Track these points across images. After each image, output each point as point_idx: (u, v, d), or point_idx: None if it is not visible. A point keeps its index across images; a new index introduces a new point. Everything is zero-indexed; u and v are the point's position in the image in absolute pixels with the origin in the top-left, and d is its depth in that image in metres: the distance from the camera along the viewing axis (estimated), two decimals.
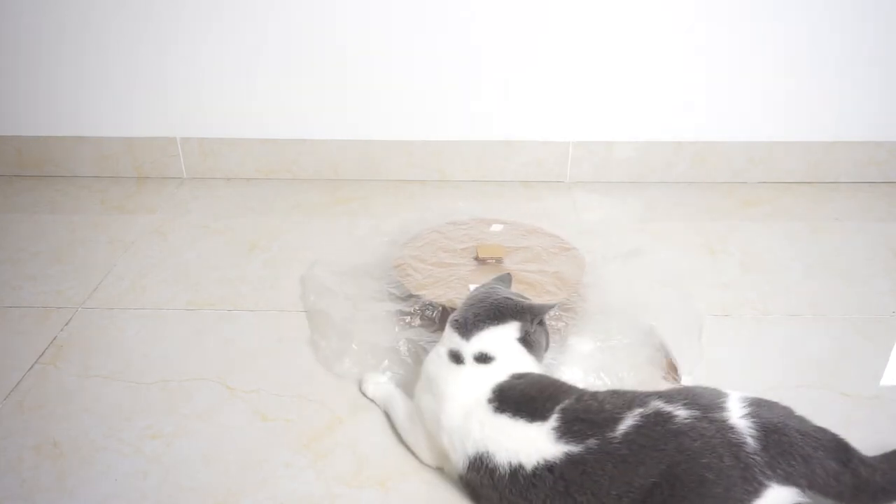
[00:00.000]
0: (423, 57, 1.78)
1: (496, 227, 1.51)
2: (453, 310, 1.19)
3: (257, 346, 1.26)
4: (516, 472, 0.89)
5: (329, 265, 1.45)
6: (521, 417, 0.92)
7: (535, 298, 1.25)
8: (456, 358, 1.00)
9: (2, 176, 1.92)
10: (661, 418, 0.85)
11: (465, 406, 0.96)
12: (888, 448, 0.90)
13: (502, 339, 1.02)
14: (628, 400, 0.89)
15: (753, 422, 0.84)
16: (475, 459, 0.92)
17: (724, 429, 0.83)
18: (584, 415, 0.89)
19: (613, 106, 1.84)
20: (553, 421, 0.90)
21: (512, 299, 1.05)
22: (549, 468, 0.87)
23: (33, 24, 1.75)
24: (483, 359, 0.99)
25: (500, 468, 0.90)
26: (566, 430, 0.88)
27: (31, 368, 1.20)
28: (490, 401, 0.95)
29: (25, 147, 1.89)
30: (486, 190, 1.87)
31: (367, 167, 1.91)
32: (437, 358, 1.03)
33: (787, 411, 0.88)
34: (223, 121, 1.87)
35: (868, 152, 1.88)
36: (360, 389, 1.15)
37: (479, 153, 1.89)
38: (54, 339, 1.27)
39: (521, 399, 0.94)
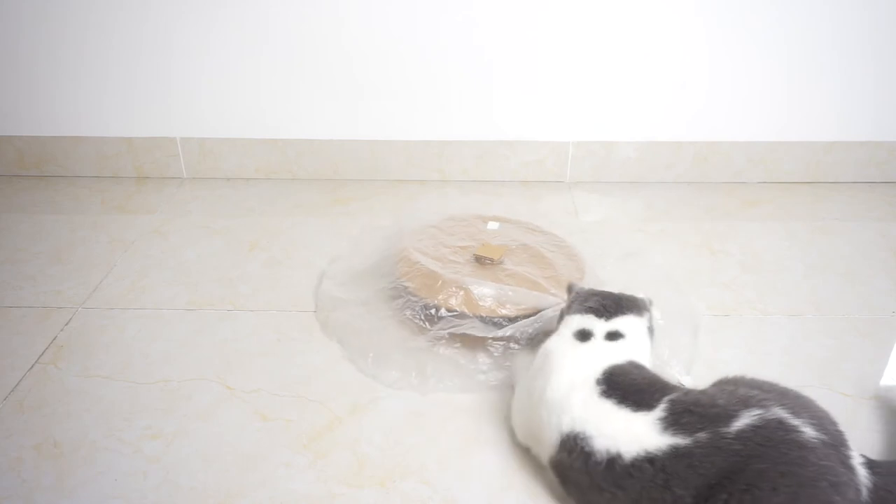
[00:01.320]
0: (424, 57, 1.78)
1: (492, 225, 1.51)
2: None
3: (257, 346, 1.26)
4: (613, 461, 0.87)
5: (334, 276, 1.44)
6: (627, 406, 0.91)
7: (541, 298, 1.26)
8: (583, 336, 1.02)
9: (2, 176, 1.92)
10: (784, 426, 0.83)
11: (572, 380, 0.96)
12: (888, 448, 0.90)
13: (636, 326, 1.05)
14: (742, 398, 0.87)
15: (870, 474, 0.83)
16: (568, 438, 0.91)
17: (848, 466, 0.82)
18: (693, 407, 0.87)
19: (613, 106, 1.84)
20: (660, 411, 0.88)
21: (636, 297, 1.11)
22: (650, 460, 0.85)
23: (33, 24, 1.75)
24: (613, 336, 1.02)
25: (597, 454, 0.88)
26: (673, 422, 0.86)
27: (31, 368, 1.20)
28: (598, 382, 0.94)
29: (25, 147, 1.89)
30: (486, 190, 1.87)
31: (367, 167, 1.91)
32: (557, 338, 1.04)
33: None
34: (223, 121, 1.87)
35: (868, 152, 1.88)
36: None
37: (479, 153, 1.89)
38: (54, 339, 1.27)
39: (628, 387, 0.93)
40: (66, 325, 1.31)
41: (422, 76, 1.80)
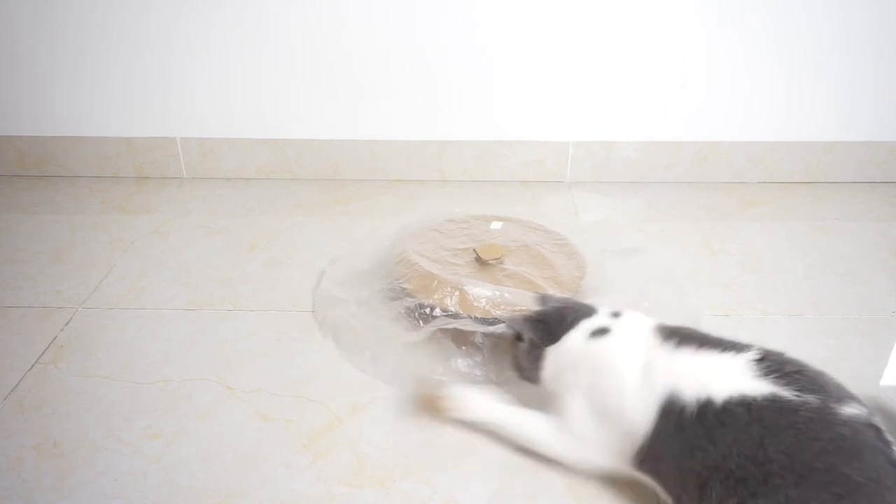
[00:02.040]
0: (424, 57, 1.78)
1: (496, 225, 1.51)
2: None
3: (257, 346, 1.26)
4: (705, 408, 0.81)
5: (333, 275, 1.44)
6: (709, 349, 0.86)
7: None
8: (600, 332, 0.96)
9: (2, 176, 1.92)
10: (883, 438, 0.77)
11: (638, 361, 0.90)
12: None
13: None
14: (843, 391, 0.82)
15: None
16: (665, 405, 0.84)
17: None
18: (799, 367, 0.82)
19: (613, 106, 1.84)
20: (753, 355, 0.83)
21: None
22: (744, 404, 0.79)
23: (33, 24, 1.75)
24: (616, 314, 0.99)
25: (688, 406, 0.82)
26: (775, 370, 0.81)
27: (31, 368, 1.20)
28: (664, 340, 0.90)
29: (25, 147, 1.89)
30: (486, 190, 1.87)
31: (367, 167, 1.91)
32: (572, 350, 0.97)
33: None
34: (223, 121, 1.87)
35: (868, 152, 1.88)
36: (455, 416, 1.06)
37: (479, 153, 1.89)
38: (54, 339, 1.27)
39: (697, 336, 0.89)
40: (66, 325, 1.31)
41: (422, 76, 1.80)
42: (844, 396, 0.81)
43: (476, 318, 1.22)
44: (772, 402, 0.79)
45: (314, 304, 1.38)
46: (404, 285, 1.31)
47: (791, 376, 0.81)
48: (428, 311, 1.25)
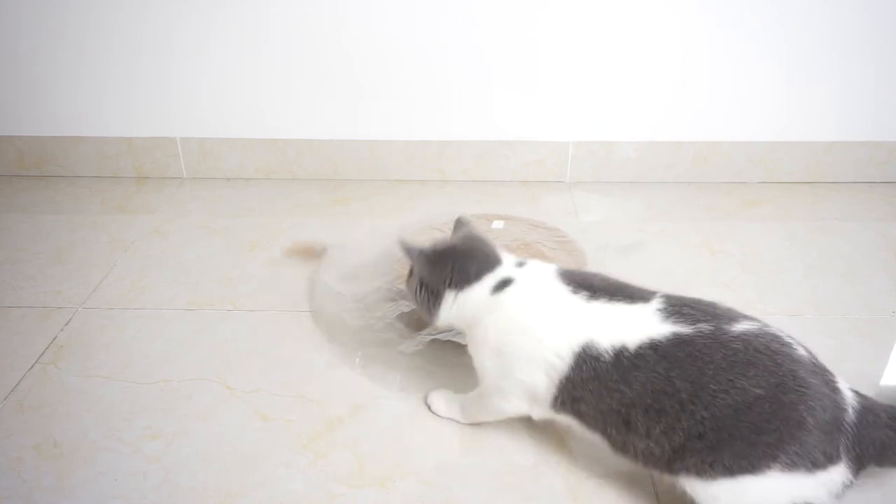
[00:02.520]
0: (424, 57, 1.78)
1: (497, 224, 1.51)
2: None
3: (257, 346, 1.26)
4: (619, 354, 0.88)
5: (333, 268, 1.45)
6: (619, 301, 0.92)
7: None
8: (505, 283, 0.98)
9: (2, 176, 1.92)
10: (780, 341, 0.85)
11: (549, 313, 0.94)
12: None
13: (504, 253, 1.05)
14: (740, 313, 0.89)
15: (857, 397, 0.86)
16: (580, 354, 0.90)
17: (834, 388, 0.84)
18: (693, 304, 0.89)
19: (613, 106, 1.84)
20: (657, 303, 0.90)
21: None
22: (652, 346, 0.86)
23: (34, 24, 1.75)
24: (521, 264, 1.01)
25: (604, 354, 0.89)
26: (674, 312, 0.88)
27: (31, 368, 1.20)
28: (573, 291, 0.95)
29: (25, 147, 1.89)
30: (486, 190, 1.87)
31: (367, 167, 1.91)
32: (478, 304, 0.99)
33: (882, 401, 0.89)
34: (223, 121, 1.87)
35: (868, 152, 1.88)
36: (431, 409, 1.11)
37: (479, 153, 1.89)
38: (54, 339, 1.27)
39: (606, 286, 0.95)
40: (66, 325, 1.31)
41: (422, 76, 1.80)
42: (736, 317, 0.88)
43: None
44: (673, 339, 0.86)
45: (311, 293, 1.38)
46: (400, 286, 1.32)
47: (686, 314, 0.88)
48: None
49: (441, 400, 1.11)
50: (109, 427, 1.08)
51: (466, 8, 1.72)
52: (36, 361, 1.22)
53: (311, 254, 1.32)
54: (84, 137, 1.88)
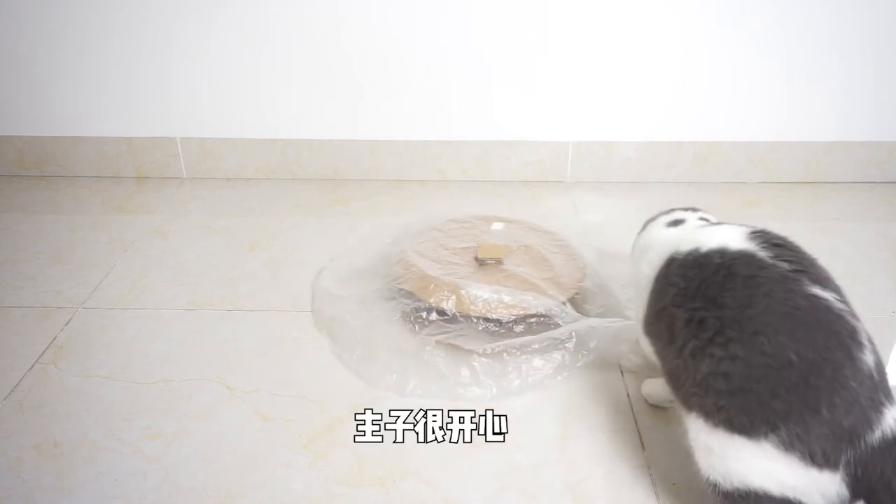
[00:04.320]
0: (424, 57, 1.78)
1: (497, 226, 1.51)
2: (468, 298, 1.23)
3: (257, 346, 1.26)
4: (689, 254, 0.91)
5: (333, 272, 1.45)
6: (722, 224, 0.98)
7: (536, 299, 1.26)
8: (676, 223, 1.07)
9: (2, 176, 1.92)
10: (850, 331, 0.79)
11: (671, 237, 1.00)
12: None
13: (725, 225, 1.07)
14: (830, 280, 0.87)
15: (874, 355, 0.80)
16: (666, 262, 0.95)
17: (875, 405, 0.76)
18: (789, 245, 0.89)
19: (613, 106, 1.84)
20: (756, 230, 0.91)
21: None
22: (721, 252, 0.87)
23: (34, 24, 1.75)
24: (705, 220, 1.08)
25: (679, 255, 0.92)
26: (763, 240, 0.88)
27: (31, 368, 1.20)
28: (698, 227, 1.02)
29: (25, 147, 1.89)
30: (486, 190, 1.87)
31: (367, 167, 1.91)
32: (652, 230, 1.10)
33: None
34: (223, 121, 1.87)
35: (868, 152, 1.88)
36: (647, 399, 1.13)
37: (479, 153, 1.89)
38: (54, 339, 1.27)
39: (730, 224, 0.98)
40: (66, 325, 1.31)
41: (422, 76, 1.80)
42: (826, 284, 0.83)
43: (473, 320, 1.22)
44: (743, 255, 0.85)
45: (312, 297, 1.38)
46: (402, 286, 1.32)
47: (776, 247, 0.87)
48: (424, 314, 1.25)
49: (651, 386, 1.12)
50: (109, 427, 1.08)
51: (466, 8, 1.72)
52: (36, 361, 1.22)
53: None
54: (84, 137, 1.88)
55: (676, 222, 1.07)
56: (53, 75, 1.81)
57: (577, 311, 1.27)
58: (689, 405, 0.85)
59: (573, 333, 1.19)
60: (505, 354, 1.17)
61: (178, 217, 1.73)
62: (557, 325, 1.22)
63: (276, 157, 1.90)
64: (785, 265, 0.83)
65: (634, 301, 1.08)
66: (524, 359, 1.17)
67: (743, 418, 0.79)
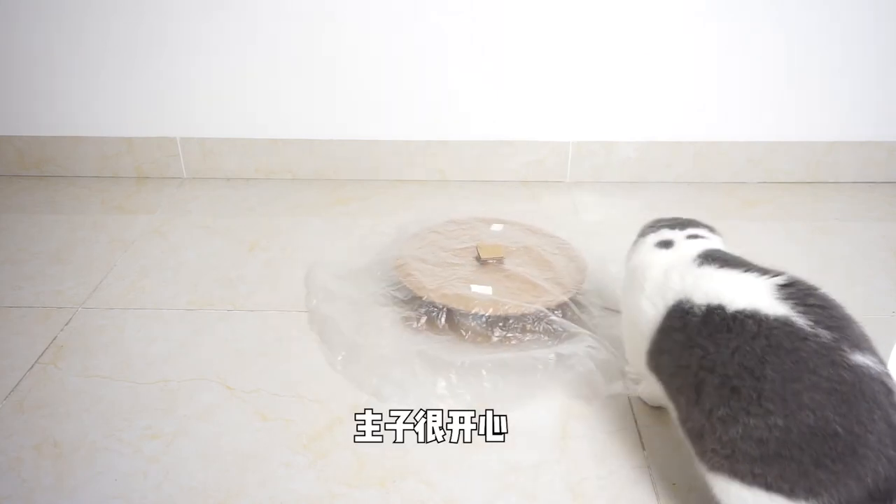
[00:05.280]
0: (424, 57, 1.78)
1: (497, 227, 1.51)
2: (458, 311, 1.20)
3: (257, 346, 1.26)
4: (713, 311, 0.85)
5: (330, 266, 1.45)
6: (731, 268, 0.90)
7: (537, 299, 1.26)
8: (665, 244, 1.01)
9: (2, 176, 1.92)
10: (891, 398, 0.77)
11: (665, 266, 0.96)
12: None
13: (710, 235, 1.05)
14: (863, 337, 0.82)
15: None
16: (674, 308, 0.90)
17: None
18: (825, 302, 0.83)
19: (613, 106, 1.84)
20: (782, 280, 0.85)
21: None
22: (755, 318, 0.81)
23: (33, 24, 1.75)
24: (694, 236, 1.02)
25: (696, 308, 0.87)
26: (799, 299, 0.82)
27: (31, 368, 1.20)
28: (694, 259, 0.95)
29: (25, 147, 1.89)
30: (486, 190, 1.87)
31: (367, 167, 1.91)
32: (638, 255, 1.05)
33: None
34: (223, 121, 1.87)
35: (868, 152, 1.88)
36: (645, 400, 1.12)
37: (479, 153, 1.89)
38: (54, 339, 1.27)
39: (730, 259, 0.93)
40: (66, 325, 1.31)
41: (422, 76, 1.80)
42: (863, 345, 0.80)
43: (466, 331, 1.22)
44: (782, 325, 0.80)
45: (307, 292, 1.38)
46: (396, 294, 1.32)
47: (812, 308, 0.82)
48: (414, 324, 1.25)
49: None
50: (109, 427, 1.08)
51: (466, 8, 1.72)
52: (36, 361, 1.22)
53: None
54: (84, 137, 1.88)
55: (666, 244, 1.02)
56: (53, 75, 1.81)
57: (579, 311, 1.27)
58: (715, 465, 0.83)
59: (555, 355, 1.16)
60: (483, 371, 1.15)
61: (178, 217, 1.73)
62: (551, 332, 1.22)
63: (276, 157, 1.90)
64: (825, 333, 0.79)
65: (628, 334, 1.04)
66: (501, 375, 1.15)
67: (783, 484, 0.78)
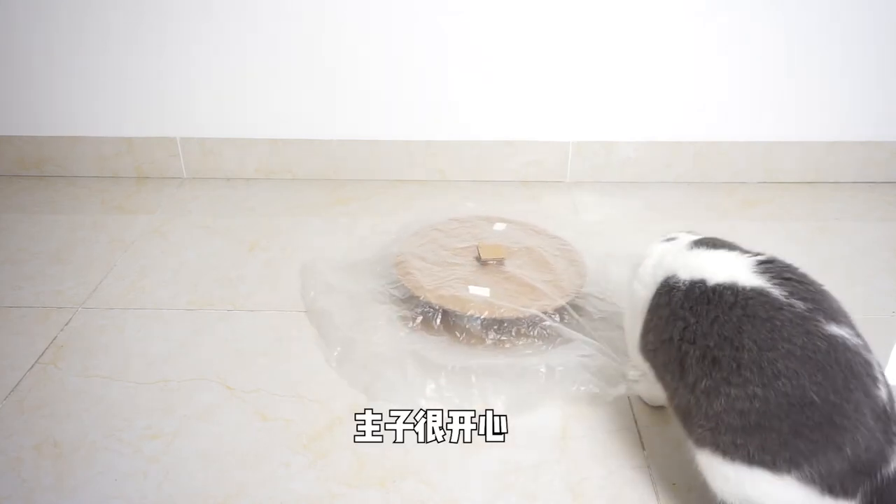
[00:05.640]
0: (424, 57, 1.78)
1: (499, 226, 1.51)
2: (454, 312, 1.20)
3: (257, 346, 1.26)
4: (694, 285, 0.88)
5: (331, 260, 1.45)
6: (719, 248, 0.94)
7: (535, 303, 1.26)
8: (670, 239, 1.04)
9: (2, 176, 1.92)
10: (867, 368, 0.79)
11: (661, 253, 1.00)
12: None
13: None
14: (839, 311, 0.84)
15: (886, 388, 0.81)
16: (661, 284, 0.94)
17: (892, 440, 0.79)
18: (801, 278, 0.85)
19: (613, 106, 1.84)
20: (762, 258, 0.88)
21: None
22: (733, 289, 0.84)
23: (33, 24, 1.75)
24: (695, 234, 1.04)
25: (682, 284, 0.90)
26: (775, 274, 0.85)
27: (31, 368, 1.20)
28: (687, 244, 0.98)
29: (25, 147, 1.89)
30: (486, 190, 1.87)
31: (367, 167, 1.91)
32: (647, 248, 1.06)
33: None
34: (223, 121, 1.87)
35: (868, 152, 1.88)
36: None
37: (479, 153, 1.89)
38: (54, 339, 1.27)
39: (720, 243, 0.96)
40: (66, 325, 1.31)
41: (422, 76, 1.80)
42: (840, 318, 0.82)
43: (461, 333, 1.22)
44: (758, 294, 0.83)
45: (303, 282, 1.39)
46: (394, 292, 1.32)
47: (788, 281, 0.85)
48: (410, 323, 1.25)
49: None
50: (109, 427, 1.08)
51: (466, 8, 1.72)
52: (36, 361, 1.22)
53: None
54: (84, 137, 1.88)
55: (671, 239, 1.05)
56: (53, 75, 1.81)
57: (577, 315, 1.26)
58: (700, 439, 0.85)
59: (546, 367, 1.15)
60: (473, 377, 1.15)
61: (178, 217, 1.73)
62: (545, 337, 1.22)
63: (276, 157, 1.90)
64: (800, 304, 0.82)
65: (628, 325, 1.06)
66: (490, 382, 1.14)
67: (765, 455, 0.79)
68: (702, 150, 1.88)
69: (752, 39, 1.76)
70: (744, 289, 0.85)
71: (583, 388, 1.13)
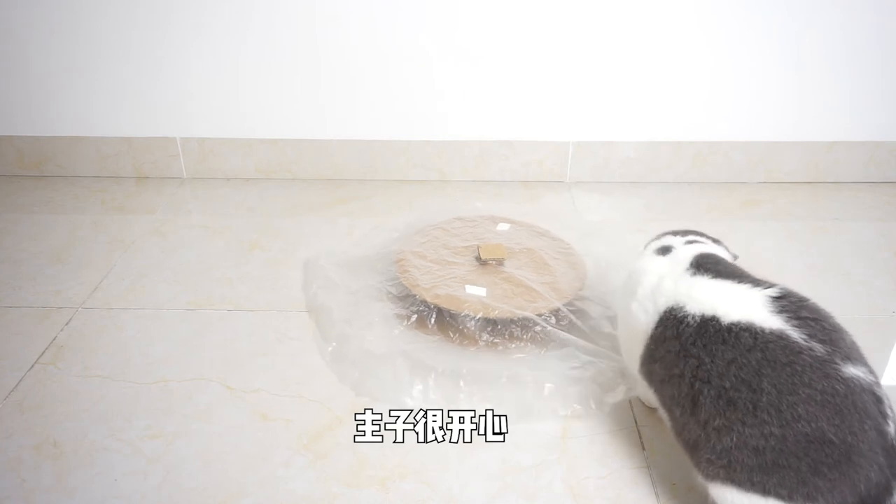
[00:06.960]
0: (424, 57, 1.78)
1: (503, 227, 1.51)
2: (449, 311, 1.20)
3: (257, 346, 1.26)
4: (707, 322, 0.86)
5: (333, 256, 1.46)
6: (725, 279, 0.91)
7: (531, 304, 1.25)
8: (664, 250, 1.02)
9: (2, 176, 1.92)
10: (881, 407, 0.79)
11: (660, 273, 0.98)
12: None
13: (711, 243, 1.07)
14: (854, 348, 0.83)
15: (894, 423, 0.81)
16: (665, 314, 0.92)
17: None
18: (817, 315, 0.84)
19: (613, 106, 1.84)
20: (775, 291, 0.86)
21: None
22: (751, 331, 0.83)
23: (33, 24, 1.75)
24: (692, 241, 1.04)
25: (689, 318, 0.88)
26: (792, 312, 0.83)
27: (31, 368, 1.20)
28: (688, 268, 0.95)
29: (25, 147, 1.89)
30: (486, 190, 1.87)
31: (367, 167, 1.91)
32: (639, 260, 1.05)
33: None
34: (223, 121, 1.87)
35: (868, 152, 1.89)
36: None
37: (479, 153, 1.89)
38: (54, 339, 1.27)
39: (723, 269, 0.94)
40: (66, 325, 1.31)
41: (422, 76, 1.80)
42: (854, 357, 0.82)
43: (454, 333, 1.22)
44: (778, 338, 0.82)
45: (305, 277, 1.39)
46: (391, 290, 1.32)
47: (805, 321, 0.83)
48: (405, 322, 1.25)
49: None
50: (109, 427, 1.08)
51: (467, 8, 1.72)
52: (36, 361, 1.22)
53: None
54: (84, 137, 1.88)
55: (664, 250, 1.03)
56: (53, 75, 1.81)
57: (575, 318, 1.26)
58: (710, 473, 0.85)
59: (536, 380, 1.14)
60: (462, 382, 1.14)
61: (178, 217, 1.73)
62: (538, 341, 1.22)
63: (276, 157, 1.90)
64: (819, 347, 0.81)
65: (623, 338, 1.05)
66: (476, 388, 1.14)
67: (781, 490, 0.80)
68: (702, 150, 1.88)
69: (753, 40, 1.76)
70: (762, 331, 0.83)
71: (571, 410, 1.11)
